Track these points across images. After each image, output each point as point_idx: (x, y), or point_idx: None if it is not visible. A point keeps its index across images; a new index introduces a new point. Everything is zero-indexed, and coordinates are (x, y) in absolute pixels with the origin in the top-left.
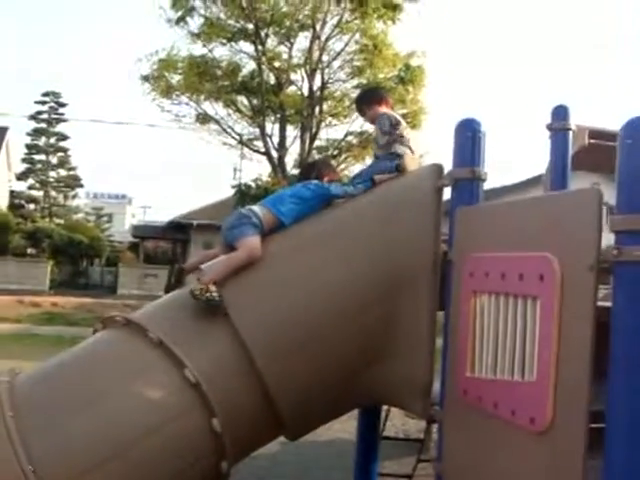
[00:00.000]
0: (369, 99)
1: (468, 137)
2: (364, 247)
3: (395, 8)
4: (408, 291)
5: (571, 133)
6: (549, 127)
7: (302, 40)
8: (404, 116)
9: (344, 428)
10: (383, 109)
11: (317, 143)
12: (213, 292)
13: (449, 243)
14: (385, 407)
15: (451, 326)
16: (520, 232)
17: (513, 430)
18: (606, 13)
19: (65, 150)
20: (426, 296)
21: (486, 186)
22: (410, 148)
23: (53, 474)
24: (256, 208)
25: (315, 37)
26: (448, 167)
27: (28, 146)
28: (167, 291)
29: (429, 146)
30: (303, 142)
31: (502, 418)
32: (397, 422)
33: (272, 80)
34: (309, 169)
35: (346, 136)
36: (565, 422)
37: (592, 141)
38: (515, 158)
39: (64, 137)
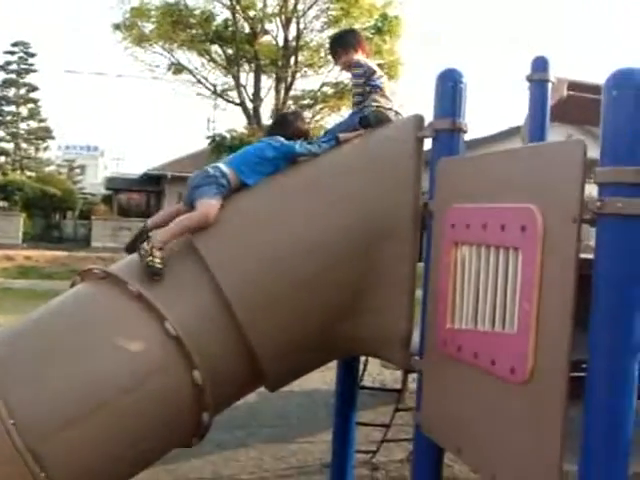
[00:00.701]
0: (345, 43)
1: (449, 88)
2: (343, 199)
3: None
4: (388, 243)
5: (550, 85)
6: (529, 78)
7: None
8: (380, 66)
9: (322, 378)
10: (358, 56)
11: (292, 93)
12: (156, 258)
13: (430, 194)
14: (363, 358)
15: (431, 277)
16: (502, 183)
17: (493, 380)
18: None
19: (35, 101)
20: (406, 248)
21: (466, 137)
22: (386, 98)
23: (35, 427)
24: (224, 167)
25: None
26: (427, 119)
27: None
28: (128, 249)
29: (406, 98)
30: (278, 92)
31: (482, 368)
32: (373, 372)
33: (247, 29)
34: (279, 123)
35: (322, 87)
36: (546, 372)
37: (571, 93)
38: (495, 109)
39: (34, 88)
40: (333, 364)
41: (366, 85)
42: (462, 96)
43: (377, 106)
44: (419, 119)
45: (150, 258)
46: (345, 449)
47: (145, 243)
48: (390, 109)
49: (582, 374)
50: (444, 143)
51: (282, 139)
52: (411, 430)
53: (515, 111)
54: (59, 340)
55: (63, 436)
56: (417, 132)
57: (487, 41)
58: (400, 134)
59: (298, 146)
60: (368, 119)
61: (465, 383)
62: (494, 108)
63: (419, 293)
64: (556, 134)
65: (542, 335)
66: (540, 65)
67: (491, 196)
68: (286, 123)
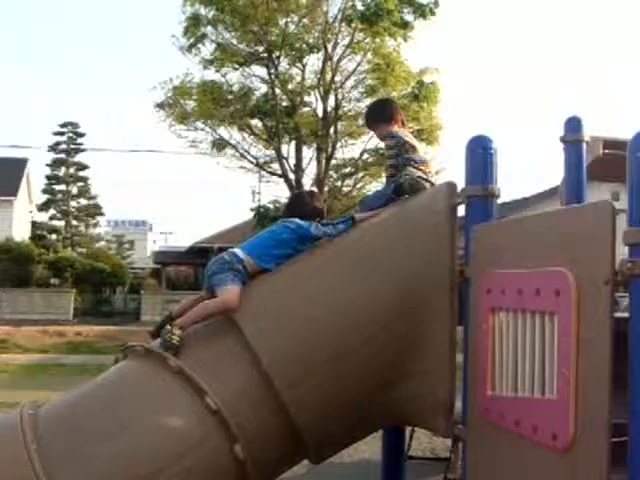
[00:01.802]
0: (375, 117)
1: (480, 154)
2: (381, 267)
3: (406, 26)
4: (427, 309)
5: (585, 144)
6: (562, 139)
7: (314, 61)
8: (419, 132)
9: (369, 449)
10: (391, 128)
11: (333, 162)
12: (175, 335)
13: (465, 260)
14: (409, 427)
15: (470, 344)
16: (535, 247)
17: (535, 447)
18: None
19: (85, 179)
20: (445, 314)
21: (503, 198)
22: (422, 171)
23: None
24: (239, 252)
25: (327, 58)
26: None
27: (48, 177)
28: (153, 335)
29: (446, 162)
30: (319, 162)
31: (524, 435)
32: (424, 440)
33: (286, 102)
34: (295, 203)
35: (362, 154)
36: (587, 438)
37: (607, 151)
38: (532, 169)
39: (83, 167)
40: (379, 434)
41: (399, 157)
42: (493, 161)
43: (411, 178)
44: (452, 186)
45: (169, 335)
46: None
47: (168, 326)
48: (426, 180)
49: (624, 438)
50: (477, 209)
51: (298, 220)
52: None
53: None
54: (102, 418)
55: None
56: (450, 199)
57: (525, 100)
58: (433, 202)
59: (314, 228)
60: (403, 188)
61: (508, 451)
62: (534, 169)
63: (460, 358)
64: (599, 193)
65: (582, 400)
66: (573, 125)
67: (525, 260)
68: (302, 203)
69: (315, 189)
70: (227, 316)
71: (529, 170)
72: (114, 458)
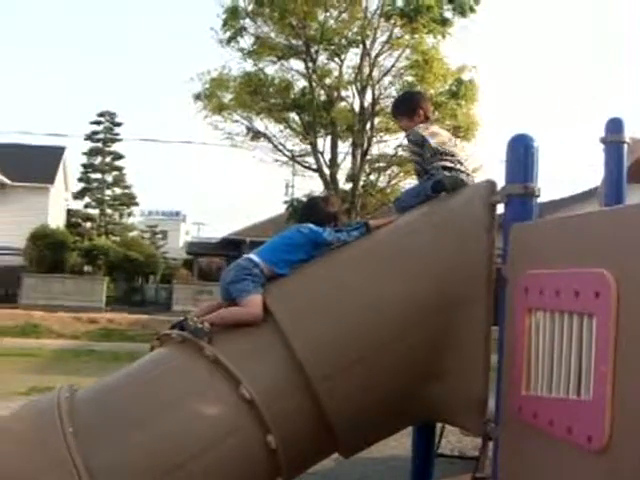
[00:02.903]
0: (399, 110)
1: (521, 152)
2: (418, 263)
3: (445, 23)
4: (463, 307)
5: (626, 146)
6: (603, 140)
7: (352, 57)
8: (456, 130)
9: (399, 445)
10: (413, 122)
11: (368, 158)
12: (205, 325)
13: (503, 260)
14: (440, 424)
15: (506, 343)
16: (575, 248)
17: (569, 448)
18: None
19: (120, 169)
20: (481, 313)
21: (540, 199)
22: (457, 162)
23: None
24: (255, 257)
25: (365, 53)
26: (502, 181)
27: (84, 165)
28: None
29: (483, 160)
30: (354, 158)
31: (558, 436)
32: (452, 439)
33: (323, 97)
34: (309, 207)
35: (397, 150)
36: (623, 440)
37: None
38: (570, 170)
39: (119, 156)
40: (409, 430)
41: (425, 151)
42: (534, 160)
43: (447, 167)
44: (491, 184)
45: (199, 325)
46: None
47: (195, 318)
48: (463, 172)
49: None
50: (516, 208)
51: (311, 225)
52: None
53: (593, 172)
54: (137, 403)
55: None
56: (489, 197)
57: (565, 100)
58: (473, 199)
59: (327, 234)
60: (443, 184)
61: (541, 451)
62: (573, 169)
63: (494, 358)
64: (638, 196)
65: (618, 402)
66: (615, 127)
67: (564, 261)
68: (316, 208)
69: (332, 193)
70: (265, 306)
71: (564, 171)
72: (148, 444)
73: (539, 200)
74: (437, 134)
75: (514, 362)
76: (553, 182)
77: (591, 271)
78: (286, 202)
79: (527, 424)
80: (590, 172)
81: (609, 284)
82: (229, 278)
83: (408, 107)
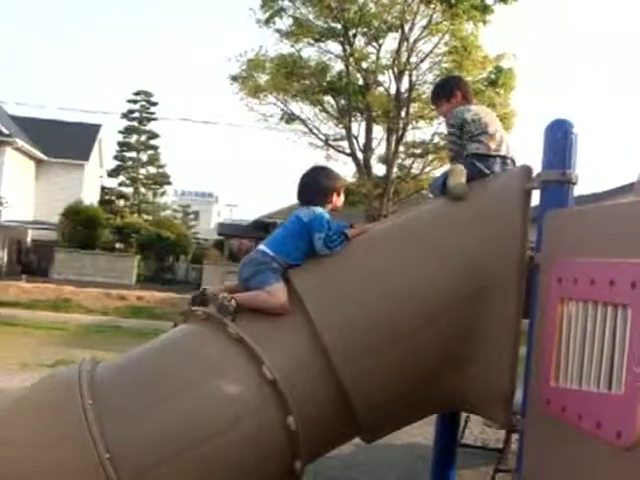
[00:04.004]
0: (437, 96)
1: (559, 138)
2: (448, 248)
3: (485, 9)
4: (493, 295)
5: None
6: None
7: (390, 41)
8: None
9: (421, 432)
10: (452, 106)
11: (403, 144)
12: (231, 304)
13: (537, 247)
14: (464, 414)
15: (536, 333)
16: (612, 238)
17: (598, 444)
18: None
19: (155, 148)
20: (512, 301)
21: (579, 192)
22: (493, 142)
23: (129, 463)
24: (269, 251)
25: (403, 38)
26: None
27: (120, 143)
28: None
29: (518, 149)
30: (389, 143)
31: (586, 431)
32: (475, 430)
33: (359, 81)
34: (308, 184)
35: (433, 137)
36: None
37: None
38: (606, 165)
39: (154, 135)
40: (433, 419)
41: (464, 133)
42: (572, 147)
43: (474, 154)
44: (527, 170)
45: (226, 300)
46: None
47: (226, 293)
48: (496, 156)
49: None
50: (552, 195)
51: (313, 212)
52: None
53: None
54: (158, 378)
55: (157, 472)
56: (525, 183)
57: (604, 92)
58: (507, 185)
59: (320, 245)
60: (449, 191)
61: (568, 446)
62: (608, 163)
63: (523, 350)
64: None
65: None
66: None
67: (600, 250)
68: (314, 182)
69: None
70: (291, 288)
71: (604, 165)
72: (168, 421)
73: (578, 193)
74: (474, 111)
75: (543, 353)
76: (593, 176)
77: (628, 261)
78: None
79: (554, 417)
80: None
81: None
82: (246, 274)
83: (445, 90)
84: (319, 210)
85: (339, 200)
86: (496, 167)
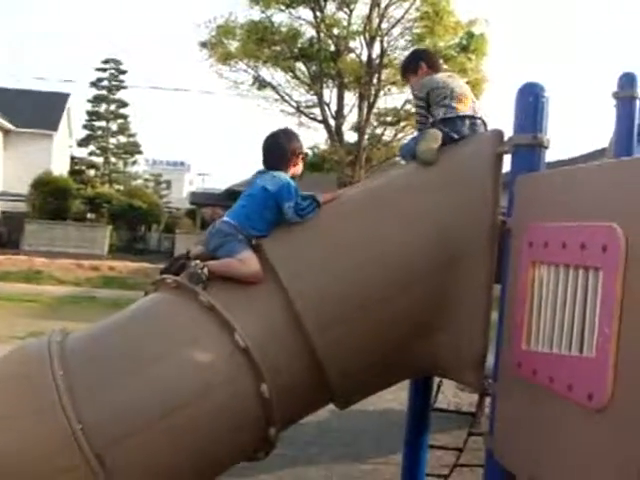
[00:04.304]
0: (404, 72)
1: (530, 102)
2: (420, 214)
3: None
4: (465, 260)
5: (638, 102)
6: (615, 95)
7: (361, 7)
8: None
9: (395, 398)
10: (419, 77)
11: (375, 111)
12: (203, 272)
13: (508, 212)
14: (437, 379)
15: (507, 297)
16: (583, 201)
17: (569, 406)
18: None
19: (125, 117)
20: (483, 267)
21: (549, 159)
22: (463, 104)
23: (101, 433)
24: (234, 222)
25: (375, 4)
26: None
27: (89, 113)
28: (162, 273)
29: (489, 115)
30: (361, 110)
31: (558, 393)
32: (449, 394)
33: (331, 47)
34: (271, 148)
35: (405, 104)
36: (625, 398)
37: None
38: (579, 130)
39: (124, 104)
40: (406, 384)
41: (431, 102)
42: (544, 110)
43: (441, 120)
44: (498, 134)
45: (198, 268)
46: (416, 472)
47: (198, 261)
48: (463, 116)
49: None
50: (524, 159)
51: (280, 180)
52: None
53: (601, 132)
54: (129, 347)
55: (129, 443)
56: (496, 147)
57: (573, 57)
58: (478, 150)
59: (291, 213)
60: (418, 156)
61: (540, 408)
62: (578, 129)
63: (495, 315)
64: None
65: (622, 360)
66: (628, 81)
67: (571, 214)
68: (277, 145)
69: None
70: (262, 257)
71: (575, 130)
72: (140, 390)
73: (548, 160)
74: (438, 78)
75: (515, 317)
76: (563, 141)
77: (599, 224)
78: None
79: (526, 380)
80: (601, 131)
81: (617, 238)
82: (213, 244)
83: (411, 65)
84: (284, 177)
85: (299, 166)
86: (465, 129)
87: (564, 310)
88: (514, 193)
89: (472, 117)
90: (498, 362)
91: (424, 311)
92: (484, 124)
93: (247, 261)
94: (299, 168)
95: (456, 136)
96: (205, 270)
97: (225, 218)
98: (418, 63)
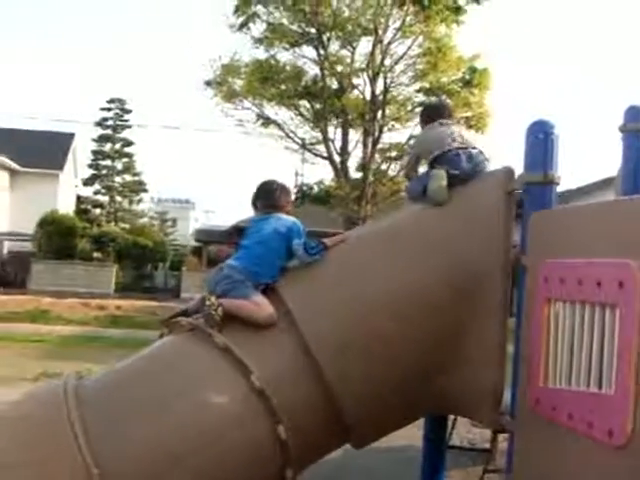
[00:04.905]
0: (421, 122)
1: (540, 139)
2: (433, 252)
3: (458, 10)
4: (479, 297)
5: None
6: (621, 129)
7: (364, 44)
8: (468, 119)
9: (409, 435)
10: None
11: (380, 147)
12: (218, 311)
13: (522, 248)
14: (452, 416)
15: (523, 333)
16: (598, 237)
17: (589, 443)
18: None
19: (130, 155)
20: (497, 302)
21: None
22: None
23: (118, 479)
24: (238, 266)
25: (377, 41)
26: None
27: (94, 152)
28: (165, 324)
29: (495, 150)
30: (365, 146)
31: (577, 430)
32: (462, 430)
33: (335, 84)
34: (268, 194)
35: (409, 140)
36: None
37: None
38: (588, 158)
39: (129, 143)
40: (420, 421)
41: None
42: (554, 148)
43: (434, 159)
44: (509, 172)
45: (212, 309)
46: None
47: (212, 298)
48: (455, 150)
49: None
50: (536, 196)
51: (285, 219)
52: None
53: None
54: (144, 393)
55: None
56: (507, 185)
57: (581, 88)
58: (490, 187)
59: (301, 251)
60: (429, 195)
61: (559, 445)
62: (587, 158)
63: (510, 349)
64: None
65: None
66: (634, 115)
67: (586, 250)
68: (273, 196)
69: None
70: (277, 298)
71: (584, 159)
72: (156, 434)
73: (561, 188)
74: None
75: (532, 353)
76: (568, 172)
77: (615, 261)
78: (295, 186)
79: (545, 417)
80: (606, 161)
81: (633, 274)
82: (220, 290)
83: (423, 117)
84: (289, 218)
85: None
86: (463, 164)
87: (581, 347)
88: (528, 230)
89: (464, 149)
90: (515, 398)
91: (438, 347)
92: (482, 154)
93: (261, 304)
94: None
95: (456, 172)
96: (219, 310)
97: (232, 263)
98: (422, 119)
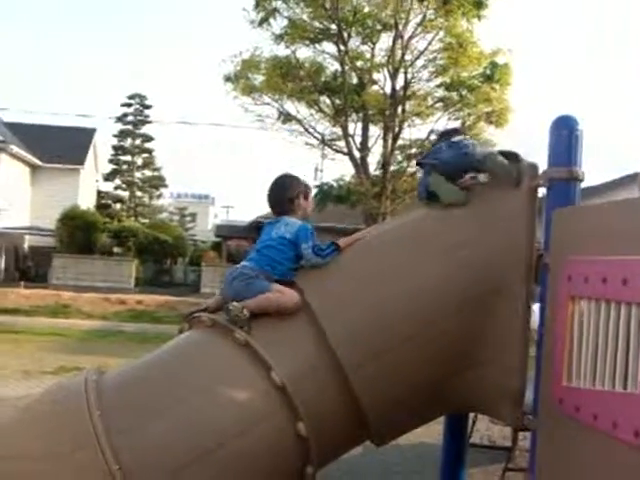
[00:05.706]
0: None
1: (564, 135)
2: (453, 250)
3: (479, 5)
4: (501, 295)
5: None
6: None
7: (385, 39)
8: (489, 115)
9: (427, 432)
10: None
11: (400, 142)
12: (244, 314)
13: (545, 246)
14: (472, 413)
15: (546, 332)
16: (624, 234)
17: (614, 443)
18: None
19: (150, 151)
20: (520, 301)
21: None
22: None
23: (138, 474)
24: (254, 266)
25: (398, 36)
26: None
27: (115, 147)
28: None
29: (516, 145)
30: (386, 142)
31: (602, 430)
32: (481, 428)
33: (355, 80)
34: (276, 202)
35: (429, 135)
36: None
37: None
38: (611, 155)
39: (149, 138)
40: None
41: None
42: (578, 144)
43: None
44: (533, 168)
45: (237, 313)
46: None
47: (235, 302)
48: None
49: None
50: (559, 193)
51: (292, 224)
52: None
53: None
54: (166, 387)
55: None
56: (531, 181)
57: (603, 83)
58: (512, 186)
59: (310, 254)
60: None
61: (583, 445)
62: (610, 154)
63: (532, 348)
64: None
65: None
66: None
67: (611, 247)
68: (281, 198)
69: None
70: (295, 289)
71: (607, 155)
72: (176, 431)
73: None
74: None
75: (555, 352)
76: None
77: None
78: (316, 186)
79: (568, 417)
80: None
81: None
82: (235, 290)
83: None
84: (297, 222)
85: (308, 204)
86: (442, 153)
87: (606, 346)
88: (551, 227)
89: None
90: (538, 398)
91: (460, 345)
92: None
93: (284, 290)
94: (309, 208)
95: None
96: (245, 311)
97: (245, 263)
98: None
